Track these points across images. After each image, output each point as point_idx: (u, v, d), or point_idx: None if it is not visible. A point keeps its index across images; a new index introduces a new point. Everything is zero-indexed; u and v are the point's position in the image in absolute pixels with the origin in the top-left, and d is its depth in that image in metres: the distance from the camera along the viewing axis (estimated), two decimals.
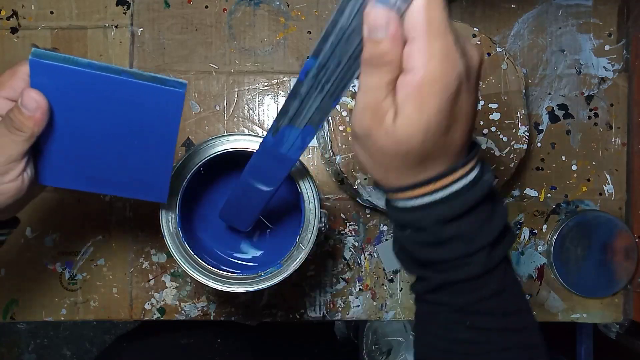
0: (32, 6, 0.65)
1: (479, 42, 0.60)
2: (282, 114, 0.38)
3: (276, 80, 0.66)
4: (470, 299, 0.35)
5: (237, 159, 0.51)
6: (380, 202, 0.59)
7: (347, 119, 0.59)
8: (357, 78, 0.33)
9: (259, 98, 0.66)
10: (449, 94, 0.29)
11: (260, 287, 0.49)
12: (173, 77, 0.39)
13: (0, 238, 0.47)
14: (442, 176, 0.33)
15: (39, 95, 0.38)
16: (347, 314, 0.66)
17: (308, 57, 0.33)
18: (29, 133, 0.38)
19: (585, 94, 0.67)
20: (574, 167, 0.67)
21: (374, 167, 0.34)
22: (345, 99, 0.59)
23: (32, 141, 0.39)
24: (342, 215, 0.65)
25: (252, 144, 0.50)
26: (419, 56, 0.29)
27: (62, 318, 0.65)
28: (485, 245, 0.34)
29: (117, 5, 0.65)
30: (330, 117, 0.59)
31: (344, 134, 0.59)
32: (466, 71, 0.30)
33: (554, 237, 0.65)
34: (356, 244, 0.66)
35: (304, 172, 0.50)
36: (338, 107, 0.59)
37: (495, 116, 0.60)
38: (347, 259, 0.66)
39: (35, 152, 0.42)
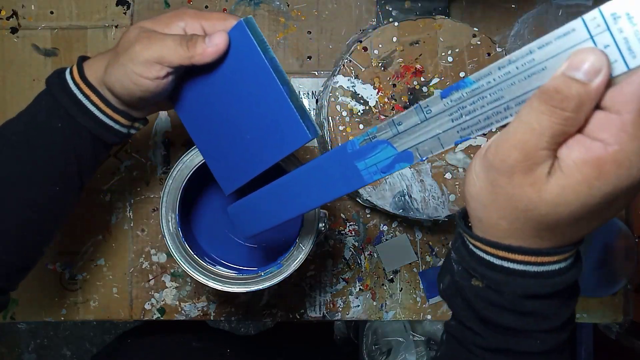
0: (32, 6, 0.65)
1: (479, 42, 0.60)
2: (390, 124, 0.31)
3: None
4: None
5: None
6: (380, 202, 0.59)
7: (347, 119, 0.59)
8: (501, 127, 0.28)
9: None
10: (629, 183, 0.25)
11: (260, 287, 0.49)
12: (314, 120, 0.42)
13: (132, 130, 0.49)
14: (549, 254, 0.30)
15: (225, 42, 0.42)
16: (347, 314, 0.66)
17: (465, 78, 0.28)
18: (191, 55, 0.41)
19: None
20: None
21: (489, 206, 0.29)
22: (345, 99, 0.59)
23: (185, 64, 0.42)
24: (342, 215, 0.65)
25: None
26: (618, 132, 0.24)
27: (62, 318, 0.65)
28: (557, 326, 0.32)
29: (117, 5, 0.65)
30: (330, 117, 0.59)
31: (343, 134, 0.59)
32: None
33: None
34: (356, 244, 0.66)
35: None
36: (338, 107, 0.59)
37: None
38: (347, 259, 0.66)
39: (185, 83, 0.46)
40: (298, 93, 0.45)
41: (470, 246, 0.32)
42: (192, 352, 0.67)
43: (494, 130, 0.28)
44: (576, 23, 0.24)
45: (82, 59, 0.47)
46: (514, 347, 0.33)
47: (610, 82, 0.24)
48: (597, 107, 0.25)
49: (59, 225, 0.50)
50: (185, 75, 0.45)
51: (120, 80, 0.43)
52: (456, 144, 0.30)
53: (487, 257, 0.31)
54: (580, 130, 0.26)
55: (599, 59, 0.24)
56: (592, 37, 0.24)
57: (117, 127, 0.47)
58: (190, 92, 0.46)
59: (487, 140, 0.29)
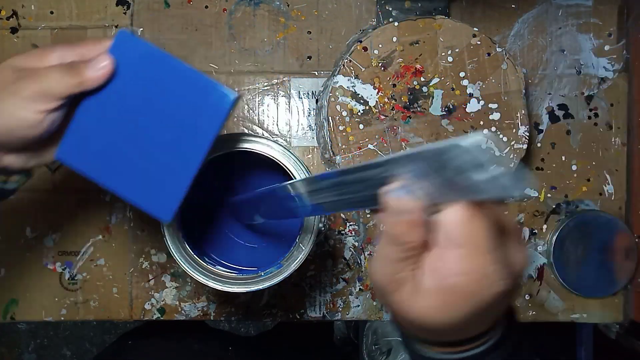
0: (32, 6, 0.65)
1: (479, 42, 0.60)
2: (292, 186, 0.37)
3: (276, 80, 0.66)
4: None
5: (238, 159, 0.51)
6: None
7: (347, 119, 0.59)
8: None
9: (259, 98, 0.66)
10: (479, 307, 0.27)
11: (260, 287, 0.49)
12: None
13: (9, 186, 0.47)
14: (455, 344, 0.32)
15: (111, 62, 0.40)
16: (347, 314, 0.66)
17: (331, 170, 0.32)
18: (79, 81, 0.39)
19: (585, 94, 0.67)
20: (574, 167, 0.67)
21: (392, 314, 0.33)
22: (345, 99, 0.59)
23: (74, 93, 0.40)
24: (342, 215, 0.65)
25: (252, 144, 0.50)
26: (456, 263, 0.27)
27: (62, 318, 0.65)
28: None
29: (117, 5, 0.65)
30: (330, 117, 0.59)
31: (343, 134, 0.59)
32: (507, 288, 0.28)
33: (554, 237, 0.65)
34: (356, 244, 0.66)
35: (304, 172, 0.50)
36: (338, 107, 0.59)
37: (495, 116, 0.60)
38: (347, 259, 0.66)
39: (74, 122, 0.43)
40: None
41: (405, 338, 0.36)
42: (193, 355, 0.67)
43: (371, 209, 0.32)
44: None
45: None
46: None
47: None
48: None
49: None
50: (72, 112, 0.42)
51: (1, 124, 0.39)
52: (351, 210, 0.35)
53: (412, 346, 0.34)
54: (432, 244, 0.28)
55: (399, 201, 0.27)
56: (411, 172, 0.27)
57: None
58: (81, 128, 0.42)
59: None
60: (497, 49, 0.60)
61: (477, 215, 0.26)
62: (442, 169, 0.24)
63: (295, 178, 0.50)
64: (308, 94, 0.66)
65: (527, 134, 0.60)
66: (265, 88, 0.66)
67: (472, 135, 0.23)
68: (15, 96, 0.39)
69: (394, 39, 0.60)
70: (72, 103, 0.42)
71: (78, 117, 0.42)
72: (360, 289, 0.66)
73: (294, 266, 0.49)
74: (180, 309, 0.66)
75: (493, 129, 0.60)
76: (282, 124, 0.66)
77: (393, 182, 0.27)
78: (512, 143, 0.60)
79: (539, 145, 0.67)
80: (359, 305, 0.66)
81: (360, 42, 0.60)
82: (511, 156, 0.60)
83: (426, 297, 0.28)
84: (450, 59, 0.60)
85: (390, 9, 0.64)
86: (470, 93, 0.60)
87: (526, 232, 0.67)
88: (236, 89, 0.65)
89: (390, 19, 0.64)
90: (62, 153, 0.43)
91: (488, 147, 0.23)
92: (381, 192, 0.28)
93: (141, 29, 0.65)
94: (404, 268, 0.29)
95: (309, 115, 0.66)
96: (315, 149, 0.66)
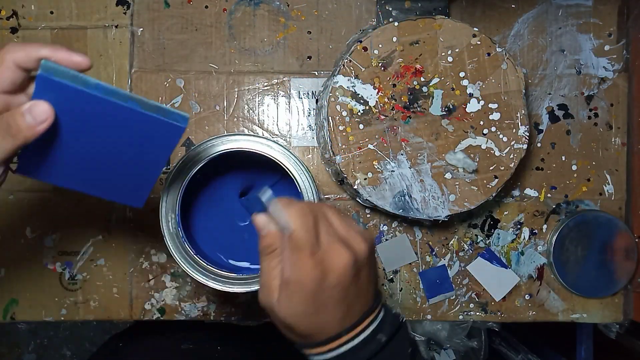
0: (32, 6, 0.65)
1: (479, 42, 0.60)
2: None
3: (276, 80, 0.66)
4: None
5: (238, 158, 0.51)
6: (380, 202, 0.59)
7: (347, 119, 0.59)
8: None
9: (259, 98, 0.66)
10: (306, 292, 0.36)
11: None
12: (176, 110, 0.40)
13: None
14: (325, 342, 0.38)
15: (49, 109, 0.36)
16: None
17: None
18: (22, 141, 0.36)
19: (585, 94, 0.67)
20: (574, 167, 0.67)
21: (279, 328, 0.40)
22: (345, 99, 0.59)
23: (15, 151, 0.37)
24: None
25: (252, 144, 0.50)
26: (285, 259, 0.37)
27: (62, 318, 0.65)
28: None
29: (117, 5, 0.65)
30: (330, 117, 0.59)
31: (343, 134, 0.59)
32: (321, 277, 0.36)
33: (554, 237, 0.65)
34: None
35: (304, 172, 0.50)
36: (338, 107, 0.59)
37: (495, 116, 0.60)
38: None
39: (23, 151, 0.40)
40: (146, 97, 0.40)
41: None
42: (182, 355, 0.67)
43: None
44: None
45: None
46: None
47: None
48: None
49: None
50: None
51: None
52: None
53: (304, 354, 0.41)
54: None
55: (261, 220, 0.40)
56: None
57: None
58: (36, 155, 0.41)
59: None
60: (497, 49, 0.60)
61: (262, 222, 0.40)
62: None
63: (295, 178, 0.50)
64: (308, 94, 0.66)
65: (527, 134, 0.60)
66: (265, 88, 0.66)
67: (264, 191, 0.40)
68: None
69: (394, 39, 0.60)
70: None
71: (28, 147, 0.40)
72: None
73: None
74: (180, 309, 0.66)
75: (493, 128, 0.60)
76: (282, 124, 0.66)
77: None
78: (512, 143, 0.60)
79: (539, 145, 0.67)
80: None
81: (360, 42, 0.60)
82: (511, 156, 0.60)
83: (280, 295, 0.38)
84: (450, 59, 0.60)
85: (390, 9, 0.64)
86: (470, 93, 0.60)
87: (526, 232, 0.67)
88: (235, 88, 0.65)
89: (390, 19, 0.64)
90: (21, 170, 0.42)
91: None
92: (252, 219, 0.40)
93: (141, 29, 0.65)
94: (275, 276, 0.38)
95: (309, 115, 0.66)
96: (315, 149, 0.66)
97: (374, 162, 0.59)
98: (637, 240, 0.65)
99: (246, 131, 0.66)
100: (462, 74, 0.60)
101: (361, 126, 0.59)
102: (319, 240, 0.37)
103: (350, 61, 0.60)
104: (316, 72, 0.66)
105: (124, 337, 0.71)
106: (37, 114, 0.36)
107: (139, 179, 0.44)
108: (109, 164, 0.42)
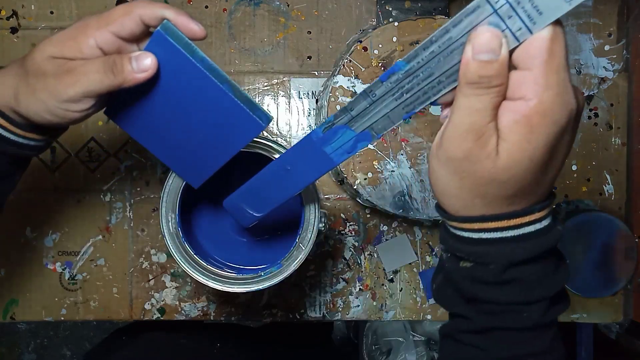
0: (32, 6, 0.65)
1: None
2: (343, 111, 0.35)
3: (276, 80, 0.66)
4: (518, 351, 0.34)
5: (238, 159, 0.51)
6: (380, 202, 0.59)
7: None
8: (436, 101, 0.32)
9: (259, 98, 0.66)
10: (558, 129, 0.28)
11: (260, 287, 0.49)
12: (264, 108, 0.41)
13: (50, 140, 0.47)
14: (520, 215, 0.32)
15: (154, 63, 0.39)
16: (347, 314, 0.66)
17: (398, 60, 0.31)
18: (120, 82, 0.39)
19: (585, 94, 0.67)
20: (574, 167, 0.67)
21: (460, 192, 0.32)
22: (345, 99, 0.59)
23: (113, 90, 0.39)
24: (342, 215, 0.65)
25: (252, 144, 0.50)
26: (533, 86, 0.27)
27: (62, 318, 0.65)
28: (545, 298, 0.33)
29: (117, 5, 0.65)
30: None
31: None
32: (577, 111, 0.29)
33: None
34: (356, 244, 0.66)
35: None
36: (338, 107, 0.59)
37: None
38: (347, 259, 0.66)
39: (118, 95, 0.43)
40: (241, 87, 0.43)
41: (451, 229, 0.34)
42: (181, 349, 0.67)
43: (433, 101, 0.32)
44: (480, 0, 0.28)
45: None
46: (500, 324, 0.33)
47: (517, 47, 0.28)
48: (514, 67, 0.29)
49: None
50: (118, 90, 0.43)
51: (40, 114, 0.40)
52: (404, 119, 0.33)
53: (467, 234, 0.33)
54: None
55: (494, 36, 0.27)
56: (495, 11, 0.27)
57: (32, 143, 0.44)
58: (126, 101, 0.44)
59: (434, 141, 0.32)
60: None
61: (559, 33, 0.28)
62: None
63: None
64: (308, 94, 0.66)
65: None
66: (265, 88, 0.66)
67: None
68: (56, 98, 0.39)
69: (394, 39, 0.60)
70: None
71: (123, 94, 0.43)
72: (360, 289, 0.66)
73: (294, 266, 0.49)
74: (180, 309, 0.66)
75: None
76: (282, 124, 0.66)
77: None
78: None
79: None
80: (359, 305, 0.66)
81: (360, 42, 0.60)
82: None
83: (510, 136, 0.29)
84: None
85: (390, 9, 0.64)
86: None
87: None
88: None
89: (390, 19, 0.64)
90: (109, 112, 0.45)
91: None
92: (470, 37, 0.28)
93: None
94: (491, 117, 0.29)
95: (309, 115, 0.66)
96: None
97: (374, 162, 0.59)
98: (637, 240, 0.65)
99: None
100: None
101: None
102: None
103: (350, 61, 0.60)
104: (316, 72, 0.66)
105: (125, 332, 0.71)
106: (142, 63, 0.39)
107: (205, 160, 0.46)
108: (184, 136, 0.45)
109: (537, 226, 0.32)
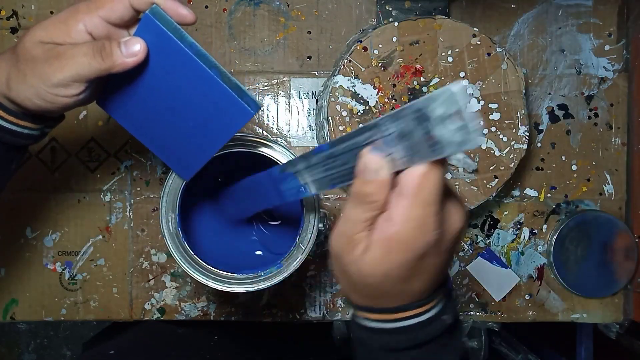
0: (32, 6, 0.65)
1: (479, 42, 0.60)
2: (290, 164, 0.39)
3: (276, 80, 0.66)
4: None
5: (238, 159, 0.51)
6: None
7: (347, 119, 0.59)
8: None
9: (259, 98, 0.66)
10: (413, 255, 0.31)
11: (260, 287, 0.49)
12: (253, 96, 0.41)
13: (47, 129, 0.47)
14: (394, 311, 0.34)
15: (143, 48, 0.39)
16: (347, 314, 0.66)
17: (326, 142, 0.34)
18: (108, 66, 0.39)
19: (585, 94, 0.67)
20: (574, 167, 0.67)
21: (342, 283, 0.36)
22: (345, 99, 0.59)
23: (102, 75, 0.39)
24: (342, 215, 0.65)
25: (252, 144, 0.50)
26: (399, 213, 0.30)
27: (62, 318, 0.65)
28: None
29: None
30: (330, 117, 0.59)
31: (343, 134, 0.59)
32: (437, 240, 0.31)
33: (554, 237, 0.65)
34: None
35: None
36: (338, 107, 0.59)
37: (495, 116, 0.60)
38: None
39: (109, 82, 0.43)
40: (230, 73, 0.42)
41: (353, 315, 0.38)
42: (177, 339, 0.67)
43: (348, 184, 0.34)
44: (374, 124, 0.30)
45: None
46: None
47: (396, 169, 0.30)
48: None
49: None
50: (109, 77, 0.43)
51: (30, 99, 0.41)
52: (332, 188, 0.36)
53: (357, 319, 0.36)
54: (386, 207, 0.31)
55: (376, 159, 0.30)
56: (384, 137, 0.29)
57: (26, 131, 0.44)
58: (117, 90, 0.44)
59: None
60: (497, 49, 0.60)
61: (431, 171, 0.29)
62: (422, 122, 0.26)
63: None
64: (308, 94, 0.66)
65: (527, 134, 0.60)
66: (265, 88, 0.66)
67: (454, 83, 0.25)
68: (45, 82, 0.39)
69: (394, 39, 0.60)
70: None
71: (114, 81, 0.43)
72: None
73: (294, 266, 0.49)
74: (180, 309, 0.66)
75: (493, 128, 0.60)
76: (282, 124, 0.66)
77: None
78: (512, 143, 0.60)
79: (539, 145, 0.67)
80: None
81: (360, 42, 0.60)
82: (511, 156, 0.60)
83: (372, 250, 0.31)
84: (450, 59, 0.60)
85: (390, 9, 0.64)
86: (470, 93, 0.60)
87: (526, 232, 0.67)
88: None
89: (390, 19, 0.64)
90: (100, 101, 0.45)
91: (466, 93, 0.25)
92: (360, 154, 0.31)
93: None
94: (363, 228, 0.32)
95: (309, 115, 0.66)
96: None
97: None
98: (637, 240, 0.65)
99: (246, 131, 0.66)
100: (462, 74, 0.60)
101: (361, 126, 0.59)
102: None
103: (350, 61, 0.60)
104: (316, 72, 0.66)
105: (123, 325, 0.71)
106: (131, 48, 0.39)
107: (195, 151, 0.46)
108: (174, 125, 0.44)
109: (415, 320, 0.34)
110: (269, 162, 0.50)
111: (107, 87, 0.44)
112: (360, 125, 0.30)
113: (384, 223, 0.31)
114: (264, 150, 0.50)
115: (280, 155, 0.50)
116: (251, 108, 0.41)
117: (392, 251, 0.31)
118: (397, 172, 0.30)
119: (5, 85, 0.41)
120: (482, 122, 0.29)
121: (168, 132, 0.46)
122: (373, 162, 0.30)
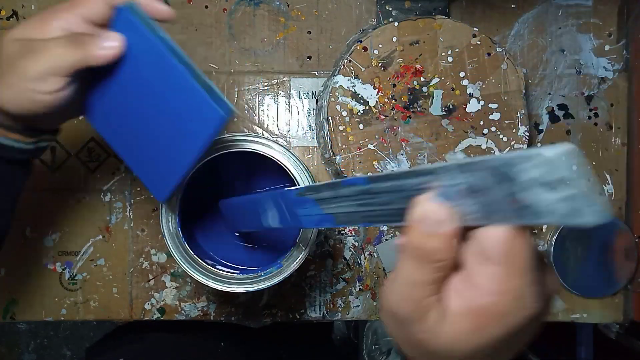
0: (32, 6, 0.65)
1: (479, 42, 0.60)
2: (312, 189, 0.35)
3: (276, 80, 0.66)
4: None
5: (238, 159, 0.51)
6: None
7: (347, 119, 0.59)
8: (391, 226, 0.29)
9: (259, 98, 0.66)
10: (511, 330, 0.26)
11: (260, 287, 0.49)
12: (227, 100, 0.38)
13: (42, 144, 0.46)
14: None
15: (121, 43, 0.39)
16: (347, 314, 0.66)
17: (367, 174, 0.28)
18: (84, 57, 0.38)
19: (585, 94, 0.67)
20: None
21: (410, 351, 0.30)
22: (345, 99, 0.59)
23: (79, 68, 0.39)
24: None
25: (252, 144, 0.50)
26: (490, 281, 0.24)
27: (62, 318, 0.65)
28: None
29: None
30: (330, 117, 0.59)
31: (343, 134, 0.59)
32: (538, 315, 0.26)
33: (554, 237, 0.65)
34: (356, 244, 0.66)
35: (304, 172, 0.50)
36: (338, 107, 0.59)
37: (495, 116, 0.60)
38: (347, 259, 0.66)
39: (89, 87, 0.42)
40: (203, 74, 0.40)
41: None
42: (183, 346, 0.67)
43: (390, 226, 0.29)
44: (442, 168, 0.24)
45: None
46: None
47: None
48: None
49: None
50: (89, 79, 0.42)
51: (14, 101, 0.40)
52: (365, 225, 0.31)
53: None
54: (459, 265, 0.26)
55: (441, 212, 0.24)
56: (449, 186, 0.24)
57: (18, 145, 0.43)
58: (96, 96, 0.43)
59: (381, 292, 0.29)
60: (497, 49, 0.60)
61: (521, 234, 0.24)
62: (504, 182, 0.21)
63: (295, 178, 0.50)
64: (308, 94, 0.66)
65: (527, 134, 0.60)
66: (265, 88, 0.66)
67: (558, 146, 0.19)
68: (22, 78, 0.39)
69: (394, 39, 0.60)
70: (89, 76, 0.42)
71: (93, 84, 0.42)
72: (360, 289, 0.66)
73: (294, 266, 0.49)
74: (180, 309, 0.66)
75: (493, 128, 0.60)
76: (282, 124, 0.66)
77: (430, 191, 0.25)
78: (512, 143, 0.60)
79: (539, 145, 0.67)
80: (359, 305, 0.66)
81: (360, 42, 0.60)
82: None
83: (454, 321, 0.26)
84: (450, 59, 0.60)
85: (390, 9, 0.64)
86: (470, 93, 0.60)
87: None
88: (235, 97, 0.65)
89: (390, 19, 0.64)
90: (86, 114, 0.45)
91: (574, 161, 0.19)
92: (415, 201, 0.25)
93: None
94: (431, 292, 0.26)
95: (309, 115, 0.66)
96: (315, 149, 0.66)
97: (374, 162, 0.59)
98: (637, 240, 0.65)
99: (246, 131, 0.66)
100: (462, 74, 0.60)
101: (361, 126, 0.59)
102: None
103: (350, 61, 0.60)
104: (316, 72, 0.66)
105: (127, 330, 0.71)
106: (109, 42, 0.39)
107: (169, 165, 0.43)
108: (147, 132, 0.43)
109: None
110: (269, 162, 0.50)
111: (89, 94, 0.43)
112: (411, 167, 0.24)
113: (468, 291, 0.25)
114: (264, 150, 0.50)
115: (279, 155, 0.50)
116: (223, 110, 0.38)
117: (486, 326, 0.25)
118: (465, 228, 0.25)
119: None
120: (603, 194, 0.22)
121: (142, 143, 0.43)
122: (437, 213, 0.25)
